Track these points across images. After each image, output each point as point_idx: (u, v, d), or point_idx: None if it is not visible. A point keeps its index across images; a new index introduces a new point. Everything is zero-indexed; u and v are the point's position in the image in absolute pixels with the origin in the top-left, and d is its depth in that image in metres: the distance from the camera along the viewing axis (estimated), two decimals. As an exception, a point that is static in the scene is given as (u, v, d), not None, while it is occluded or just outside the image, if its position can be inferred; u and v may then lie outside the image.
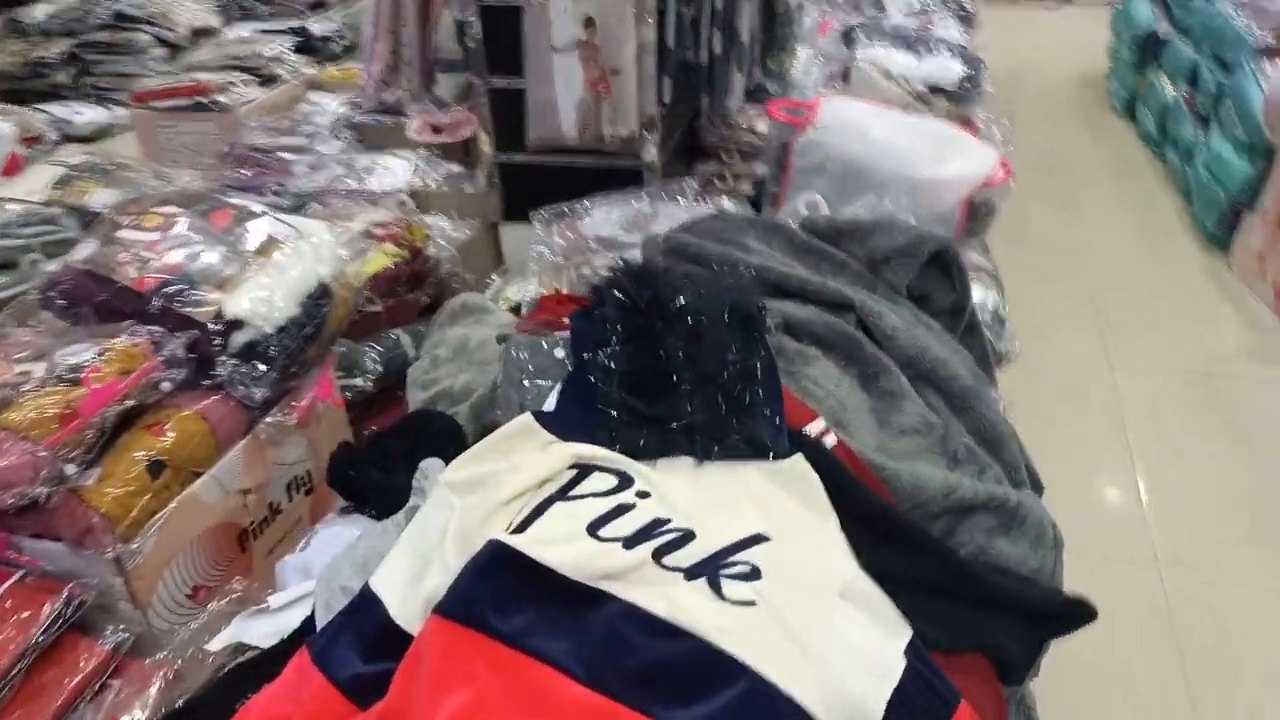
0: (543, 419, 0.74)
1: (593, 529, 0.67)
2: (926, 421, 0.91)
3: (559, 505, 0.69)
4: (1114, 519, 1.75)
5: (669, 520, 0.68)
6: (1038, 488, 0.97)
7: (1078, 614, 0.85)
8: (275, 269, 1.16)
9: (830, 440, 0.82)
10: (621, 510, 0.68)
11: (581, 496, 0.69)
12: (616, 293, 0.76)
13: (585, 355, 0.75)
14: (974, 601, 0.82)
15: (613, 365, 0.72)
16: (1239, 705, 1.40)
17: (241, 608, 0.95)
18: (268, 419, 1.23)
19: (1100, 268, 2.80)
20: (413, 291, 1.67)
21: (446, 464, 0.84)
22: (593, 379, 0.74)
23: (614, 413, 0.72)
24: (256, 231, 1.19)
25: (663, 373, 0.72)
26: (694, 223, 1.14)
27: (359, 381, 1.45)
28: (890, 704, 0.64)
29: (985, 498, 0.86)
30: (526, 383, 0.82)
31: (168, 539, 1.10)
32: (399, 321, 1.62)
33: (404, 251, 1.63)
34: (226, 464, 1.16)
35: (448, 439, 0.88)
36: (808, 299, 0.98)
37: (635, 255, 1.33)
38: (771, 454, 0.72)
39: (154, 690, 0.96)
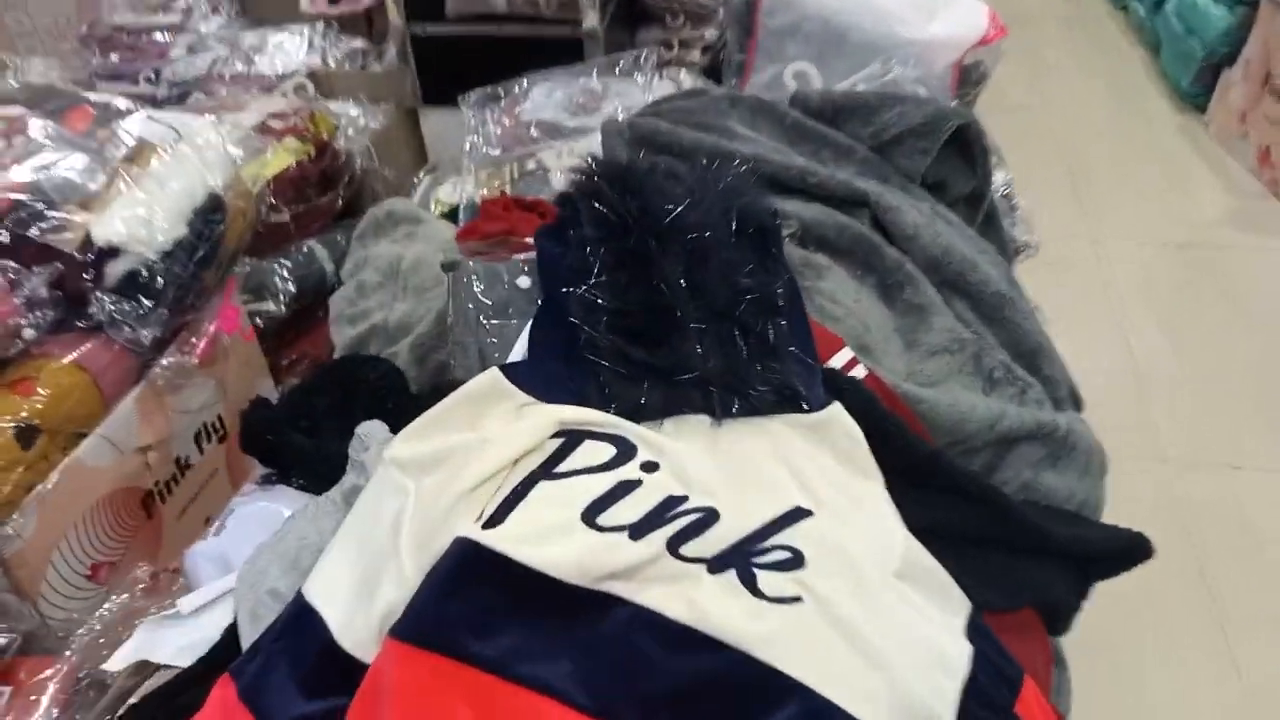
0: (514, 374, 0.60)
1: (589, 516, 0.55)
2: (958, 337, 0.79)
3: (544, 486, 0.56)
4: (1115, 409, 1.69)
5: (684, 498, 0.56)
6: (1078, 403, 0.88)
7: (1134, 552, 0.77)
8: (153, 180, 0.98)
9: (859, 372, 0.70)
10: (624, 489, 0.56)
11: (572, 473, 0.56)
12: (595, 204, 0.61)
13: (562, 289, 0.61)
14: (1028, 552, 0.73)
15: (599, 301, 0.58)
16: (1263, 595, 1.36)
17: (152, 601, 0.82)
18: (164, 361, 1.06)
19: (1073, 132, 2.69)
20: (324, 194, 1.48)
21: (391, 427, 0.70)
22: (573, 320, 0.60)
23: (604, 363, 0.58)
24: (125, 134, 0.99)
25: (663, 308, 0.59)
26: (663, 104, 0.99)
27: (269, 305, 1.28)
28: (960, 702, 0.54)
29: (1033, 426, 0.76)
30: (485, 322, 0.67)
31: (53, 516, 0.94)
32: (310, 231, 1.44)
33: (309, 147, 1.43)
34: (117, 420, 1.00)
35: (388, 391, 0.73)
36: (811, 194, 0.84)
37: (588, 145, 1.17)
38: (805, 404, 0.59)
39: (46, 699, 0.83)
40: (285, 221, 1.34)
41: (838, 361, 0.69)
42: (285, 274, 1.31)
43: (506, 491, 0.56)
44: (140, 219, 0.95)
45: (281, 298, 1.29)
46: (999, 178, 1.20)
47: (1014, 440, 0.76)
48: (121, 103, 1.03)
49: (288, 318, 1.32)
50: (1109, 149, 2.62)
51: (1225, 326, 1.94)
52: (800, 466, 0.58)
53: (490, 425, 0.59)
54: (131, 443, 1.03)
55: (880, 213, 0.82)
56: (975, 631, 0.59)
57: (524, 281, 0.69)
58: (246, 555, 0.70)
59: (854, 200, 0.83)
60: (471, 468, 0.56)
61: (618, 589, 0.52)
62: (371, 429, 0.67)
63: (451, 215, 1.14)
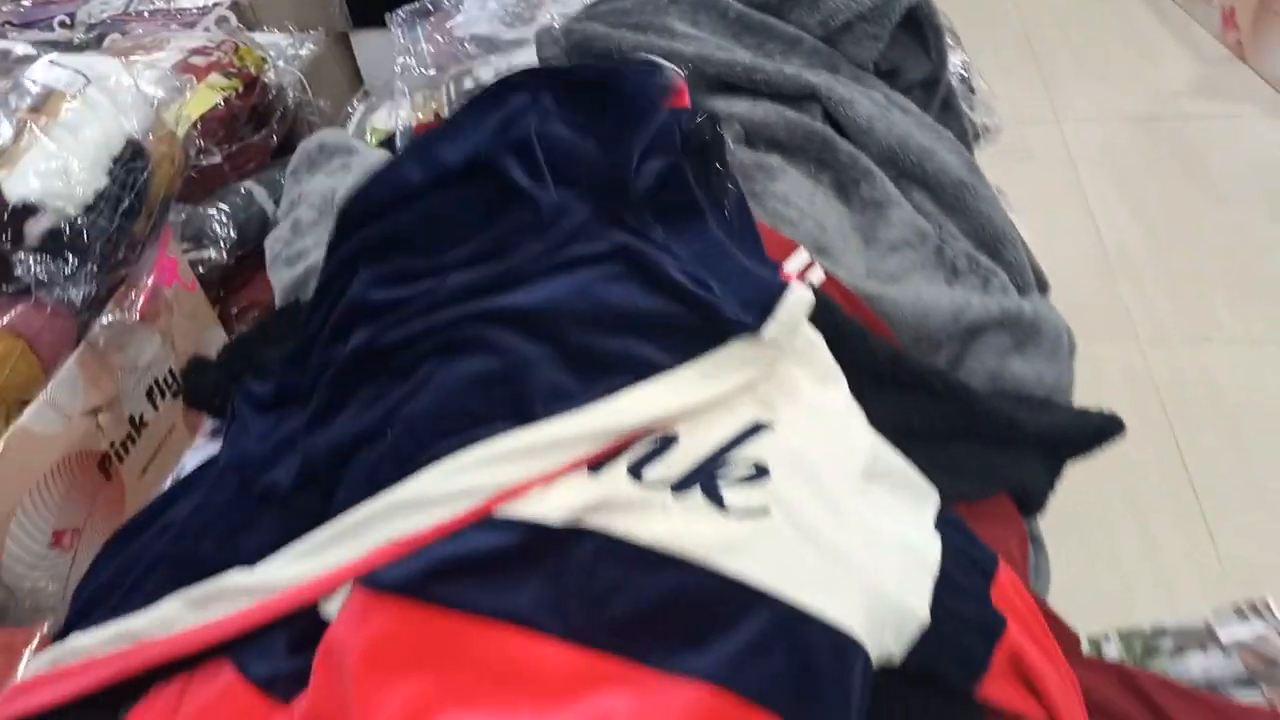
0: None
1: (544, 445, 0.54)
2: (918, 230, 0.78)
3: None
4: (1085, 290, 1.69)
5: (640, 420, 0.55)
6: (1043, 287, 0.87)
7: (1106, 432, 0.78)
8: (65, 130, 0.93)
9: (817, 275, 0.69)
10: (578, 416, 0.55)
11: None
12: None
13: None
14: (998, 442, 0.73)
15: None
16: (1237, 469, 1.37)
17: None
18: (103, 319, 1.03)
19: (1030, 5, 2.62)
20: (257, 132, 1.42)
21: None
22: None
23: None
24: (30, 82, 0.94)
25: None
26: (599, 5, 0.95)
27: (210, 253, 1.24)
28: (935, 595, 0.55)
29: (998, 314, 0.76)
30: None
31: (5, 487, 0.93)
32: (247, 171, 1.39)
33: (235, 83, 1.37)
34: (60, 383, 0.98)
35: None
36: (759, 92, 0.82)
37: (526, 58, 1.13)
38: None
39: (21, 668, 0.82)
40: (219, 163, 1.29)
41: (793, 265, 0.68)
42: (224, 219, 1.27)
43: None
44: (56, 172, 0.91)
45: (223, 243, 1.25)
46: (955, 60, 1.17)
47: (979, 331, 0.76)
48: (20, 47, 0.98)
49: (232, 265, 1.29)
50: (1072, 21, 2.56)
51: (1192, 198, 1.92)
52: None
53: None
54: (79, 406, 1.00)
55: (832, 106, 0.80)
56: (945, 523, 0.60)
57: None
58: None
59: (803, 95, 0.80)
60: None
61: (582, 523, 0.52)
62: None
63: (388, 143, 1.10)
